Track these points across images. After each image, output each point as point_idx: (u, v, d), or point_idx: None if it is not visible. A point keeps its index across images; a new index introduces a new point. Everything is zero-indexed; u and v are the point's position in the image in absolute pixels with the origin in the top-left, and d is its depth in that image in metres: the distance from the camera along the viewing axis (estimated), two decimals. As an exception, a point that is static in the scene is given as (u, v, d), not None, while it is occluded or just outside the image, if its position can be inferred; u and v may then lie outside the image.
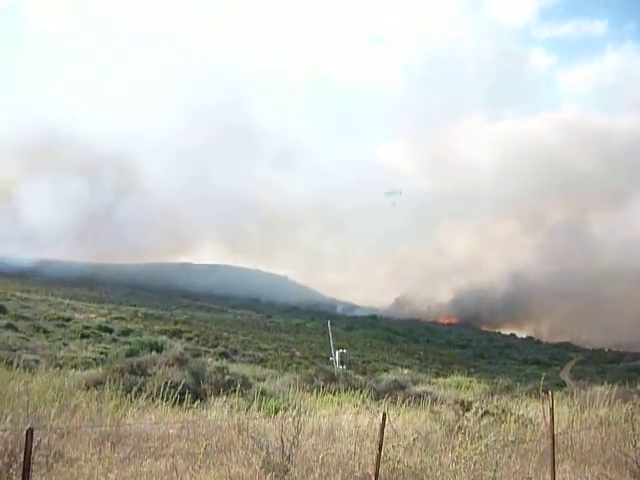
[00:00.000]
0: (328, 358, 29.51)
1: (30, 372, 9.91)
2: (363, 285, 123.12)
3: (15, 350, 19.55)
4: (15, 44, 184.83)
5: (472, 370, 31.97)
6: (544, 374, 10.92)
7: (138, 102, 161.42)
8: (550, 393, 7.09)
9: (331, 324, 34.74)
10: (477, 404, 8.36)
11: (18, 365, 9.91)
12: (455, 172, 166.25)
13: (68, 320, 31.55)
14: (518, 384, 14.56)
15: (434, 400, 10.73)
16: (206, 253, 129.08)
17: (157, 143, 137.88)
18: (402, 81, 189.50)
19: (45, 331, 26.30)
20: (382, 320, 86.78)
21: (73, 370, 12.23)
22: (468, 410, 8.33)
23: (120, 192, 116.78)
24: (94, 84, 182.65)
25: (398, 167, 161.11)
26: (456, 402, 9.34)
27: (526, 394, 12.36)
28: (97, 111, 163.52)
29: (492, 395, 11.96)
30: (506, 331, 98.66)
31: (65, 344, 23.72)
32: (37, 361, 18.07)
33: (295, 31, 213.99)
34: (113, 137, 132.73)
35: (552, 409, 6.75)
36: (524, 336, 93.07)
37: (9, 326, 24.97)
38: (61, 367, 13.54)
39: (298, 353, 38.12)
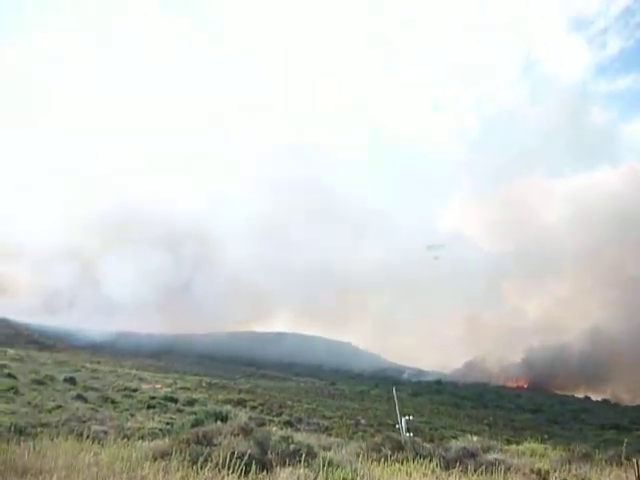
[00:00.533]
0: (394, 425, 28.64)
1: (99, 443, 10.03)
2: (430, 349, 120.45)
3: (85, 421, 19.87)
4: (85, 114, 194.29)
5: (546, 436, 30.37)
6: (625, 440, 10.25)
7: (217, 172, 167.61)
8: (635, 460, 6.69)
9: (397, 390, 33.88)
10: (555, 473, 7.95)
11: (88, 436, 10.07)
12: (522, 230, 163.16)
13: (135, 391, 31.93)
14: (597, 451, 13.73)
15: (507, 469, 10.23)
16: (275, 321, 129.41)
17: (233, 211, 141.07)
18: (462, 142, 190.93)
19: (113, 402, 26.66)
20: (448, 385, 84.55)
21: (140, 441, 12.29)
22: (545, 480, 7.93)
23: (198, 263, 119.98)
24: (173, 155, 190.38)
25: (463, 227, 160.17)
26: (532, 471, 8.90)
27: (607, 462, 11.65)
28: (176, 182, 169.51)
29: (570, 463, 11.32)
30: (580, 394, 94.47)
31: (132, 415, 23.95)
32: (106, 432, 18.28)
33: (358, 94, 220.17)
34: (193, 208, 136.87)
35: (638, 477, 6.36)
36: (600, 399, 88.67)
37: (79, 397, 25.46)
38: (129, 438, 13.63)
39: (363, 421, 37.26)
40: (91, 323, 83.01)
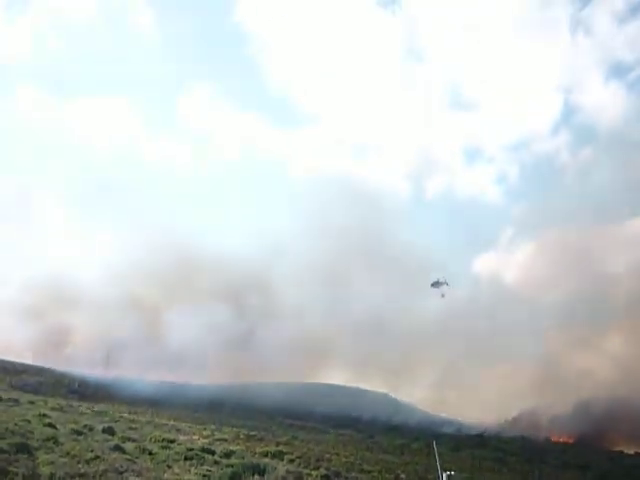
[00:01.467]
0: (435, 481, 27.91)
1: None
2: (471, 401, 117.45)
3: (122, 472, 19.85)
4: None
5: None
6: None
7: (275, 221, 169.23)
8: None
9: (437, 444, 33.04)
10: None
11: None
12: (575, 277, 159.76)
13: (172, 442, 31.79)
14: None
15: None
16: (321, 372, 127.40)
17: (294, 262, 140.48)
18: (501, 193, 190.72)
19: (150, 453, 26.56)
20: (491, 438, 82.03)
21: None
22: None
23: (259, 315, 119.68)
24: (229, 203, 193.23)
25: (510, 275, 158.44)
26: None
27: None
28: (232, 233, 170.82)
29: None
30: (630, 450, 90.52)
31: (169, 466, 23.81)
32: (143, 484, 18.25)
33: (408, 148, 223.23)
34: (253, 258, 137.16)
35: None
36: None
37: (117, 447, 25.48)
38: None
39: (403, 475, 36.29)
40: (138, 374, 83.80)
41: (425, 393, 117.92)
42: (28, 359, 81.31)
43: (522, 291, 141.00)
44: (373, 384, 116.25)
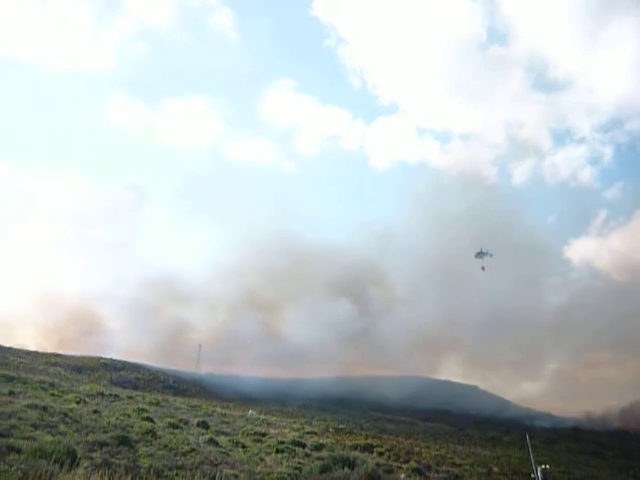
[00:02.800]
0: (530, 475, 27.25)
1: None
2: (564, 394, 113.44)
3: (217, 465, 20.49)
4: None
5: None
6: None
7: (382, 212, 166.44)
8: None
9: (530, 437, 32.22)
10: None
11: (220, 479, 10.43)
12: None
13: (264, 435, 32.52)
14: None
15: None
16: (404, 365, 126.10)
17: (406, 252, 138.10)
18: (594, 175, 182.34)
19: (243, 446, 27.28)
20: (587, 432, 79.09)
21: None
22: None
23: (376, 309, 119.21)
24: (324, 196, 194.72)
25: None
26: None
27: None
28: (337, 225, 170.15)
29: None
30: None
31: (262, 459, 24.40)
32: (236, 476, 18.76)
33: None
34: (364, 249, 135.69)
35: None
36: None
37: (211, 441, 26.29)
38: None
39: (496, 469, 35.59)
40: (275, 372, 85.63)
41: (496, 383, 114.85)
42: (137, 358, 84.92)
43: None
44: (487, 381, 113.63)
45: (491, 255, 75.48)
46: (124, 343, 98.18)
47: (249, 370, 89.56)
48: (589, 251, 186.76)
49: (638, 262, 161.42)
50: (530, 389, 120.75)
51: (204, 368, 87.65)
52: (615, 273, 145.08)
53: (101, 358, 78.59)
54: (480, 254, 75.97)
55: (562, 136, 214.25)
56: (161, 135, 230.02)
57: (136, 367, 77.87)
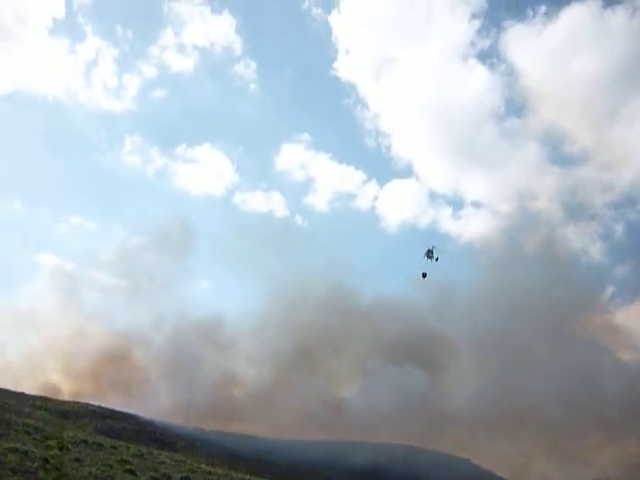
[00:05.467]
0: None
1: None
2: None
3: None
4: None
5: None
6: None
7: None
8: None
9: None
10: None
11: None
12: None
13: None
14: None
15: None
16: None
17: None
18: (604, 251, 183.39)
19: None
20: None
21: None
22: None
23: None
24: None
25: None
26: None
27: None
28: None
29: None
30: None
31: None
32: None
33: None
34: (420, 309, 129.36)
35: None
36: None
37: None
38: None
39: None
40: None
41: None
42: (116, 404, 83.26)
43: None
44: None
45: (437, 259, 69.61)
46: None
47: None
48: (595, 326, 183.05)
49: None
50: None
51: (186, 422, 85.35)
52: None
53: (89, 404, 77.29)
54: (429, 253, 69.61)
55: (574, 210, 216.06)
56: (174, 181, 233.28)
57: (124, 416, 76.45)
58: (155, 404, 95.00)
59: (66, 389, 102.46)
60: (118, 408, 79.22)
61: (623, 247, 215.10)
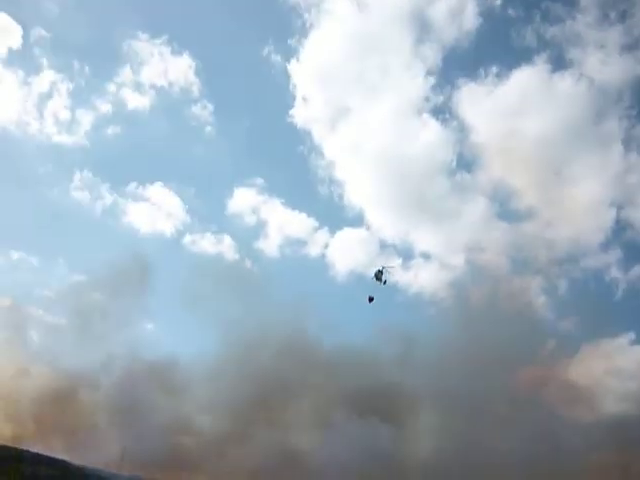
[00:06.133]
0: None
1: None
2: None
3: None
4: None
5: None
6: None
7: None
8: None
9: None
10: None
11: None
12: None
13: None
14: None
15: None
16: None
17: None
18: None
19: None
20: None
21: None
22: None
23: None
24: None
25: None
26: None
27: None
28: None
29: None
30: None
31: None
32: None
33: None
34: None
35: None
36: None
37: None
38: None
39: None
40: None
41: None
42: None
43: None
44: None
45: (384, 282, 67.41)
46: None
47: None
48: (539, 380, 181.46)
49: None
50: None
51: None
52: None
53: (19, 449, 72.42)
54: (379, 274, 67.38)
55: (520, 265, 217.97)
56: (123, 218, 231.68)
57: (54, 462, 71.64)
58: (99, 449, 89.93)
59: (7, 433, 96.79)
60: (50, 454, 74.29)
61: (566, 302, 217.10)
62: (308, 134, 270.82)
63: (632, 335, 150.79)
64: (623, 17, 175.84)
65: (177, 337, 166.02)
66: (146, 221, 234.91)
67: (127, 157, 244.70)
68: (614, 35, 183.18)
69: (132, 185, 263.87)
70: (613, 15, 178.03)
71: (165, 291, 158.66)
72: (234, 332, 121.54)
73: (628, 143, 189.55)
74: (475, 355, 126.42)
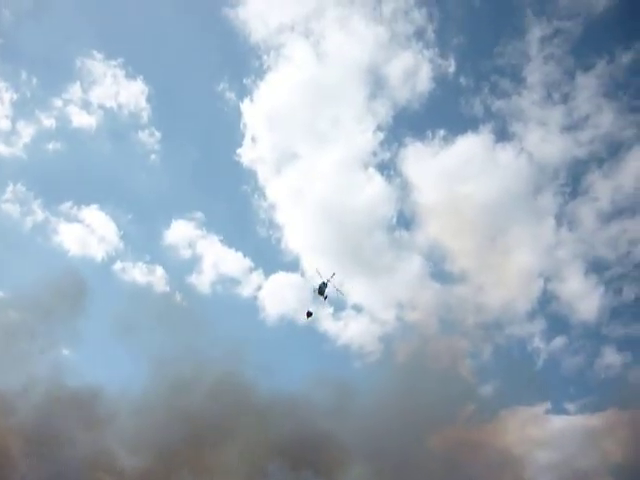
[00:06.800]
0: None
1: None
2: None
3: None
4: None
5: None
6: None
7: None
8: None
9: None
10: None
11: None
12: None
13: None
14: None
15: None
16: None
17: None
18: (471, 369, 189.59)
19: None
20: None
21: None
22: None
23: None
24: None
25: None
26: None
27: None
28: None
29: None
30: None
31: None
32: None
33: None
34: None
35: None
36: None
37: None
38: None
39: None
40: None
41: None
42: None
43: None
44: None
45: (325, 297, 67.08)
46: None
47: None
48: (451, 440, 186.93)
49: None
50: None
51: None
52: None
53: None
54: (321, 288, 67.30)
55: (448, 326, 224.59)
56: (53, 238, 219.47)
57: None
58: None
59: None
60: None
61: (488, 367, 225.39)
62: (253, 174, 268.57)
63: (548, 405, 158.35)
64: (566, 99, 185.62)
65: (104, 366, 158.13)
66: (77, 243, 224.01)
67: (65, 175, 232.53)
68: (556, 115, 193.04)
69: (67, 204, 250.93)
70: (557, 96, 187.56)
71: (92, 317, 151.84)
72: (165, 367, 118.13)
73: (560, 219, 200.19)
74: (400, 411, 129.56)
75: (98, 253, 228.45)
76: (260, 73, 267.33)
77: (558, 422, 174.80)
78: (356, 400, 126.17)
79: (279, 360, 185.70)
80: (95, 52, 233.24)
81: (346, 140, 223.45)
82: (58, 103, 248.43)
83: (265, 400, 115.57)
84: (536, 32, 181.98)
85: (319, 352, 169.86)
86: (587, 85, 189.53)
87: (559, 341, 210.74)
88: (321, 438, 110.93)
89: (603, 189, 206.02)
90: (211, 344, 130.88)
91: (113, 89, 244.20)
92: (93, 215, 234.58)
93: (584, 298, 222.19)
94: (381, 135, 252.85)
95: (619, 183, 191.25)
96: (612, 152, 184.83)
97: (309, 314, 69.70)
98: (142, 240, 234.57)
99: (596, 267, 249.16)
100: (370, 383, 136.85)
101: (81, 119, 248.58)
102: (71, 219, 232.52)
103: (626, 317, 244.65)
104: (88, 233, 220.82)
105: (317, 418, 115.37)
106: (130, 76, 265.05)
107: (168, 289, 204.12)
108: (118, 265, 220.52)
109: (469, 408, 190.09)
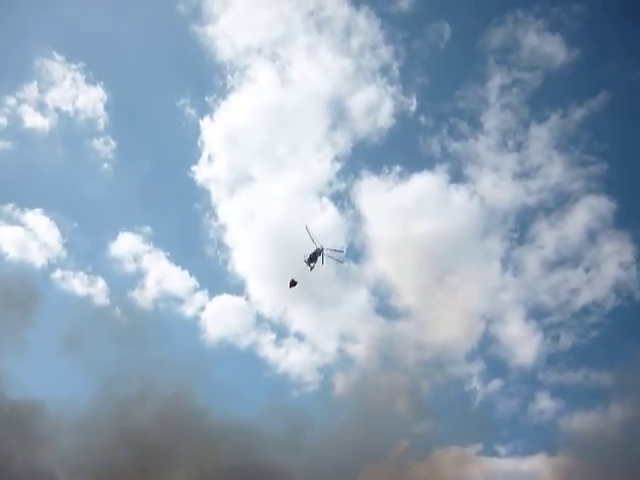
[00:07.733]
0: None
1: None
2: None
3: None
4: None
5: None
6: None
7: None
8: None
9: None
10: None
11: None
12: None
13: None
14: None
15: None
16: None
17: None
18: (408, 404, 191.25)
19: None
20: None
21: None
22: None
23: None
24: None
25: None
26: None
27: None
28: None
29: None
30: None
31: None
32: None
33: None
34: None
35: None
36: None
37: None
38: None
39: None
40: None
41: None
42: None
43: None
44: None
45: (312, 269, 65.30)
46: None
47: None
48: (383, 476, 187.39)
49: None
50: None
51: None
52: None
53: None
54: (315, 255, 66.99)
55: (390, 361, 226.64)
56: None
57: None
58: None
59: None
60: None
61: (425, 405, 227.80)
62: (206, 193, 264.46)
63: (480, 446, 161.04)
64: (519, 147, 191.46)
65: (46, 379, 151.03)
66: (16, 247, 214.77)
67: (10, 175, 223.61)
68: (509, 162, 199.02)
69: (9, 206, 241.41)
70: (511, 144, 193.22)
71: (32, 326, 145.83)
72: (110, 384, 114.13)
73: (505, 263, 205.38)
74: (335, 445, 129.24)
75: (38, 259, 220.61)
76: (223, 92, 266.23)
77: (488, 464, 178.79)
78: (304, 432, 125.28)
79: (220, 383, 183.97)
80: (56, 53, 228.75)
81: (303, 167, 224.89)
82: (11, 101, 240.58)
83: (214, 426, 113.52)
84: (496, 80, 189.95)
85: (258, 378, 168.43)
86: (540, 136, 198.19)
87: (496, 383, 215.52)
88: (267, 469, 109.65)
89: (549, 238, 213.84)
90: (157, 363, 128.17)
91: (71, 93, 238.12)
92: (37, 219, 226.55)
93: (523, 343, 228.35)
94: (338, 165, 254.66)
95: (565, 233, 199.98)
96: (560, 202, 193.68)
97: (293, 283, 68.30)
98: (86, 250, 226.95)
99: (536, 313, 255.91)
100: (308, 413, 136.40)
101: (34, 120, 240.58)
102: (12, 222, 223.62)
103: (561, 364, 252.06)
104: (29, 238, 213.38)
105: (268, 448, 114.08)
106: (90, 81, 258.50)
107: (108, 302, 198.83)
108: (58, 274, 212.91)
109: (404, 444, 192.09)
